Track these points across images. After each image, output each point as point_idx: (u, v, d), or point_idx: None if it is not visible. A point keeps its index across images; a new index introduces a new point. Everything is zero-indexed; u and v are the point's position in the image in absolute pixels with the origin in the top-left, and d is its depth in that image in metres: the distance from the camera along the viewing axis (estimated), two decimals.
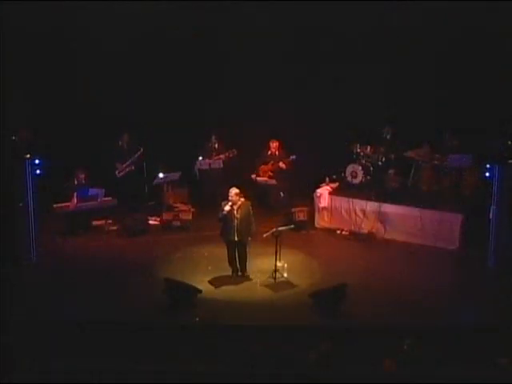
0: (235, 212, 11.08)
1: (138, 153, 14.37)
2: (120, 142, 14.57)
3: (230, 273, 11.44)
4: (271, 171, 14.53)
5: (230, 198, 11.07)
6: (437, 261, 12.26)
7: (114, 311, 10.27)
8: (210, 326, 9.76)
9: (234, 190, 11.13)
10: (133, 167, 14.41)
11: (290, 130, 14.63)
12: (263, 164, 14.60)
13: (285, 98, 14.80)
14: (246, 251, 11.36)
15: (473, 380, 7.32)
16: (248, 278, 11.37)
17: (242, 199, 11.23)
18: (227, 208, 11.04)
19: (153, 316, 10.11)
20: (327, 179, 14.23)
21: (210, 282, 11.17)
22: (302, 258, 12.30)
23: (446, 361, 8.45)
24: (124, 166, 14.41)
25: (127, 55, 14.50)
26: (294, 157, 14.34)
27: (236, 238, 11.16)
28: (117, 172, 14.40)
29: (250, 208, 11.28)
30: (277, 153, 14.58)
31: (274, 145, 14.56)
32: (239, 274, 11.42)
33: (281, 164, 14.44)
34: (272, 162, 14.53)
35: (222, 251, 11.64)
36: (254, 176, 14.54)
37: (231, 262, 11.40)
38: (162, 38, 14.50)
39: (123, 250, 12.81)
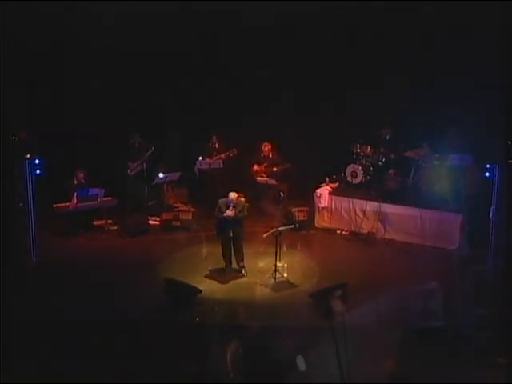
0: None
1: (149, 152, 14.36)
2: (132, 141, 14.53)
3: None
4: (264, 173, 14.48)
5: (232, 205, 11.22)
6: (437, 261, 12.26)
7: (114, 311, 10.27)
8: (209, 326, 9.76)
9: (235, 195, 11.32)
10: (144, 166, 14.39)
11: (290, 131, 14.64)
12: (257, 164, 14.55)
13: (285, 97, 14.78)
14: (241, 244, 11.46)
15: (473, 380, 7.32)
16: (246, 275, 11.43)
17: (241, 199, 11.44)
18: (229, 213, 11.20)
19: (153, 316, 10.10)
20: (327, 179, 14.23)
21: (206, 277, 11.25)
22: (301, 258, 12.30)
23: (446, 361, 8.44)
24: (135, 164, 14.41)
25: (127, 55, 14.48)
26: (288, 165, 14.30)
27: (231, 234, 11.34)
28: (129, 171, 14.40)
29: (245, 206, 11.45)
30: (270, 155, 14.50)
31: (266, 148, 14.49)
32: (241, 266, 11.49)
33: (274, 169, 14.38)
34: (265, 164, 14.50)
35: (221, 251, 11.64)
36: (255, 167, 14.45)
37: (225, 254, 11.49)
38: (162, 39, 14.48)
39: (123, 250, 12.83)
